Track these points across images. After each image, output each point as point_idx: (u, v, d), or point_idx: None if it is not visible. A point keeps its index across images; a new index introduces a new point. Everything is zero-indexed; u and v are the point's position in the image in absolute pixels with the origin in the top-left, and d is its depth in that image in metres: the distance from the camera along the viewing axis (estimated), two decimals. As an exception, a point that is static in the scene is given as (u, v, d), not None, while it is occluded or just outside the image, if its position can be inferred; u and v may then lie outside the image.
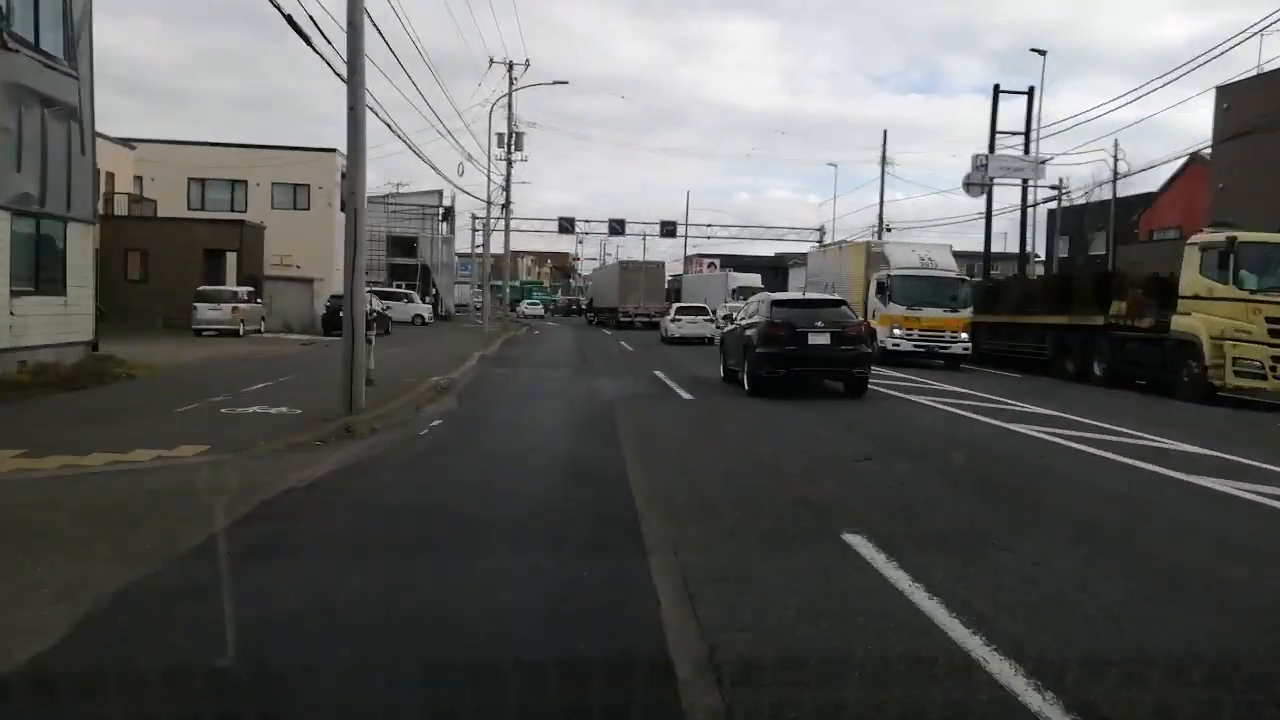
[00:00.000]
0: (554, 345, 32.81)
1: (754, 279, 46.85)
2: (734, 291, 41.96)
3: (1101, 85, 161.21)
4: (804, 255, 79.91)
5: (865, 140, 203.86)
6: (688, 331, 31.94)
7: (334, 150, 41.61)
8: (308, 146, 41.37)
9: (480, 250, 56.13)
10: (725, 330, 19.24)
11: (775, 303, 16.07)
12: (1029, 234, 47.59)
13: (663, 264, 52.30)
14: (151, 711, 3.30)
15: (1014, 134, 49.74)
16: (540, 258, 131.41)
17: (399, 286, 53.88)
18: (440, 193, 55.71)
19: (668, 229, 54.67)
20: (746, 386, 15.24)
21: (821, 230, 54.52)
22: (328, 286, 38.92)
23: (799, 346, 14.65)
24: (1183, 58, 46.18)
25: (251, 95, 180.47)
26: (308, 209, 41.20)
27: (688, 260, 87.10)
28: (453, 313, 56.01)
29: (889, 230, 45.52)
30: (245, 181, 40.90)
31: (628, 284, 45.55)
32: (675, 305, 36.99)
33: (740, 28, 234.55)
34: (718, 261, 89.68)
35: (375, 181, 52.60)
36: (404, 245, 55.80)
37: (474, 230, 57.20)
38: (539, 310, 66.62)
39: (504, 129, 41.74)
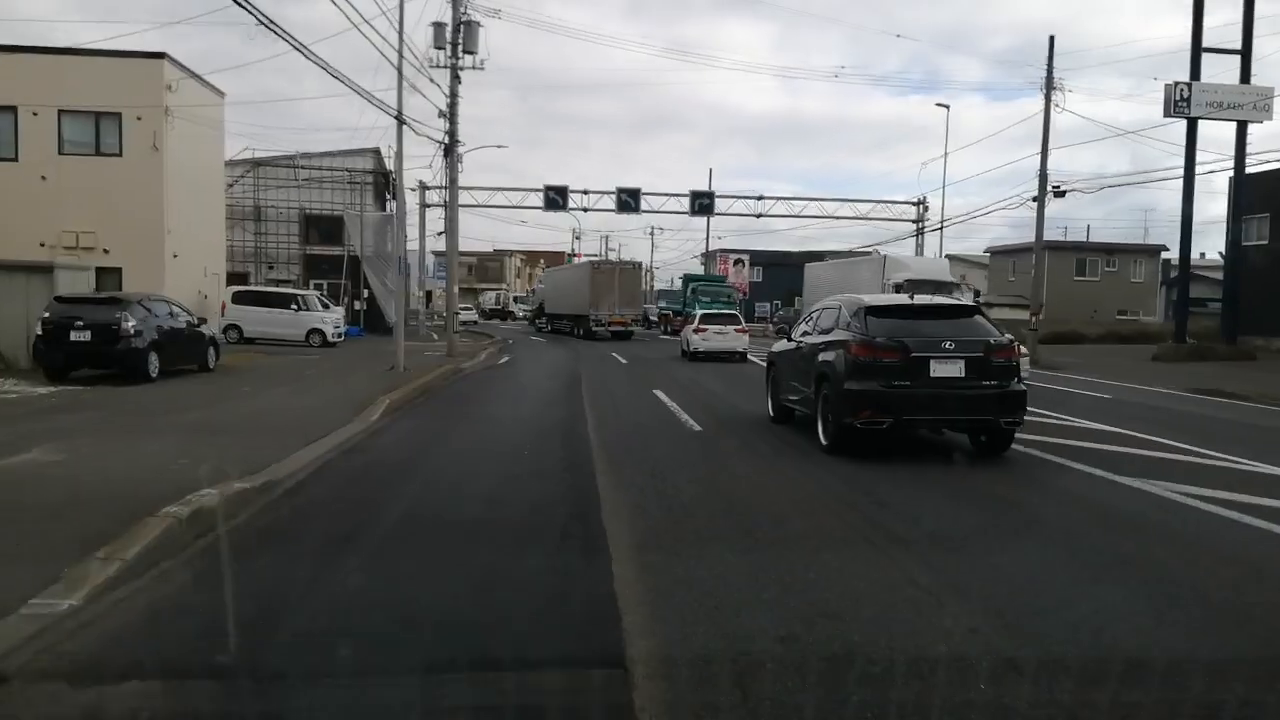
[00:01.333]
0: (519, 407, 16.14)
1: (939, 267, 30.02)
2: (898, 286, 25.83)
3: (1100, 85, 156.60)
4: (846, 254, 63.63)
5: (864, 141, 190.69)
6: (715, 345, 25.30)
7: (162, 56, 25.09)
8: (118, 51, 24.78)
9: (436, 236, 40.00)
10: (778, 350, 12.45)
11: (871, 310, 9.80)
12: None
13: (640, 264, 46.25)
14: None
15: (1228, 52, 33.42)
16: (531, 257, 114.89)
17: (315, 286, 37.34)
18: (377, 152, 39.20)
19: (701, 202, 38.09)
20: (824, 440, 9.78)
21: (921, 204, 38.05)
22: (139, 281, 22.49)
23: (917, 381, 9.10)
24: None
25: (241, 95, 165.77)
26: (118, 154, 24.64)
27: (709, 255, 70.75)
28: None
29: (1058, 194, 28.94)
30: (14, 109, 24.38)
31: (600, 286, 38.44)
32: (700, 313, 27.71)
33: (738, 30, 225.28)
34: (746, 258, 73.44)
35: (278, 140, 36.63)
36: (326, 228, 39.24)
37: (423, 206, 40.80)
38: (472, 315, 55.31)
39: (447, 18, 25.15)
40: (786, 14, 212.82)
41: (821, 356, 10.13)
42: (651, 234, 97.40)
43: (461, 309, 69.03)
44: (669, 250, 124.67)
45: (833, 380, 9.63)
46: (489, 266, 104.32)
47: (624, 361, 25.31)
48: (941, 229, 35.36)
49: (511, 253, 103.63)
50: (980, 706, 3.59)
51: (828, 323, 10.71)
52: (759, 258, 73.83)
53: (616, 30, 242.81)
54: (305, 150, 38.52)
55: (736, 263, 73.15)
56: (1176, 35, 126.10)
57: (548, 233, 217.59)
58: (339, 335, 28.48)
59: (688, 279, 48.70)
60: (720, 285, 49.97)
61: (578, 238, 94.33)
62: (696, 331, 25.54)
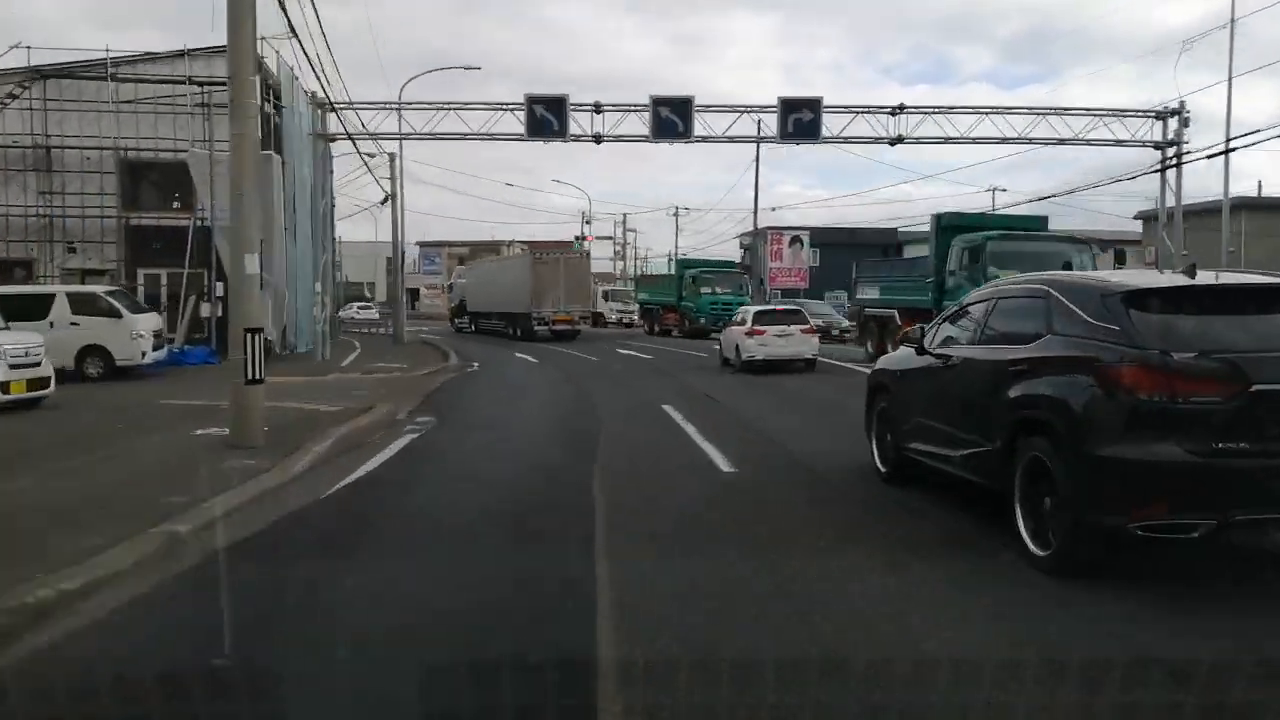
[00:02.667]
0: None
1: None
2: None
3: (1111, 71, 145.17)
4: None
5: (875, 131, 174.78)
6: (777, 351, 19.47)
7: None
8: None
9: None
10: (895, 365, 8.06)
11: (1135, 298, 5.32)
12: None
13: (588, 252, 42.88)
14: None
15: None
16: (535, 248, 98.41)
17: (146, 279, 22.05)
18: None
19: (798, 119, 21.86)
20: (1035, 545, 5.36)
21: (1177, 114, 22.08)
22: None
23: (1261, 440, 4.75)
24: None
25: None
26: None
27: (759, 232, 54.77)
28: (288, 342, 23.56)
29: None
30: None
31: (543, 280, 33.86)
32: (753, 310, 21.07)
33: (741, 23, 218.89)
34: (806, 235, 57.65)
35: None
36: (163, 182, 23.72)
37: (319, 136, 24.94)
38: (373, 314, 49.07)
39: None
40: (788, 4, 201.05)
41: (1022, 388, 5.61)
42: (676, 215, 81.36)
43: (360, 308, 56.93)
44: (695, 235, 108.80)
45: (1066, 437, 5.18)
46: (483, 258, 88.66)
47: (718, 458, 9.58)
48: (1226, 153, 19.38)
49: (510, 243, 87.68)
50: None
51: (1021, 322, 6.04)
52: (821, 236, 57.91)
53: (619, 24, 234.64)
54: (122, 53, 22.93)
55: (793, 241, 57.07)
56: (1181, 17, 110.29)
57: (550, 215, 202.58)
58: (41, 382, 12.56)
59: (943, 222, 21.27)
60: (1051, 239, 20.80)
61: (588, 222, 78.26)
62: (751, 334, 19.86)
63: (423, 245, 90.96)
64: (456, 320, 46.69)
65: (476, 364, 22.54)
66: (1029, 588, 4.94)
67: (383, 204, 32.61)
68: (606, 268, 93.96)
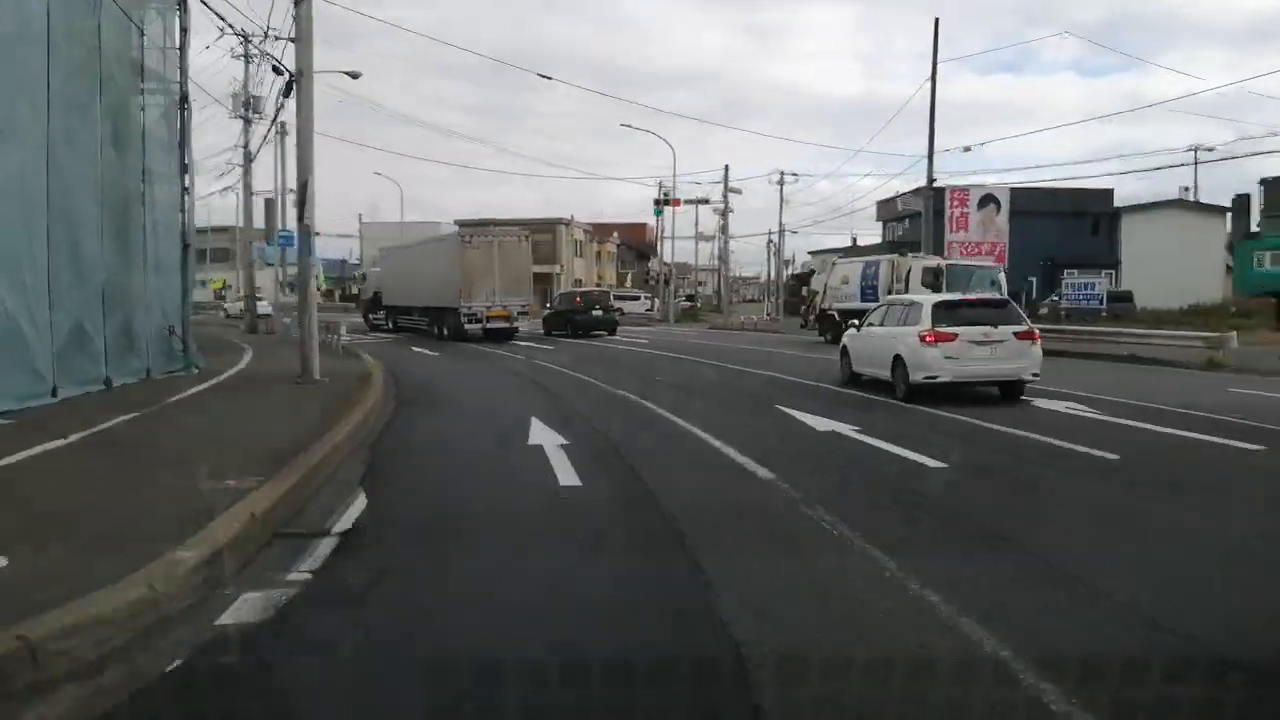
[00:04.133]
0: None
1: None
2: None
3: (1197, 56, 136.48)
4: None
5: (951, 123, 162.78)
6: (978, 369, 13.51)
7: None
8: None
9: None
10: None
11: None
12: None
13: (528, 234, 33.92)
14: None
15: None
16: (600, 230, 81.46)
17: None
18: None
19: None
20: None
21: None
22: None
23: None
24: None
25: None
26: None
27: (936, 192, 36.87)
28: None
29: None
30: None
31: (474, 267, 30.00)
32: (930, 301, 14.45)
33: (818, 14, 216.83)
34: (1003, 196, 39.55)
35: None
36: None
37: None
38: (266, 309, 38.34)
39: None
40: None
41: None
42: (780, 183, 63.34)
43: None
44: (804, 209, 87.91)
45: None
46: (536, 241, 72.30)
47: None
48: None
49: (569, 222, 70.74)
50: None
51: None
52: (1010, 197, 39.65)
53: (694, 19, 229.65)
54: None
55: (985, 202, 38.97)
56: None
57: (619, 180, 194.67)
58: None
59: None
60: None
61: (664, 195, 59.07)
62: (933, 341, 13.21)
63: (461, 225, 74.59)
64: (371, 317, 40.91)
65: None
66: None
67: (283, 93, 15.79)
68: (686, 255, 76.41)
